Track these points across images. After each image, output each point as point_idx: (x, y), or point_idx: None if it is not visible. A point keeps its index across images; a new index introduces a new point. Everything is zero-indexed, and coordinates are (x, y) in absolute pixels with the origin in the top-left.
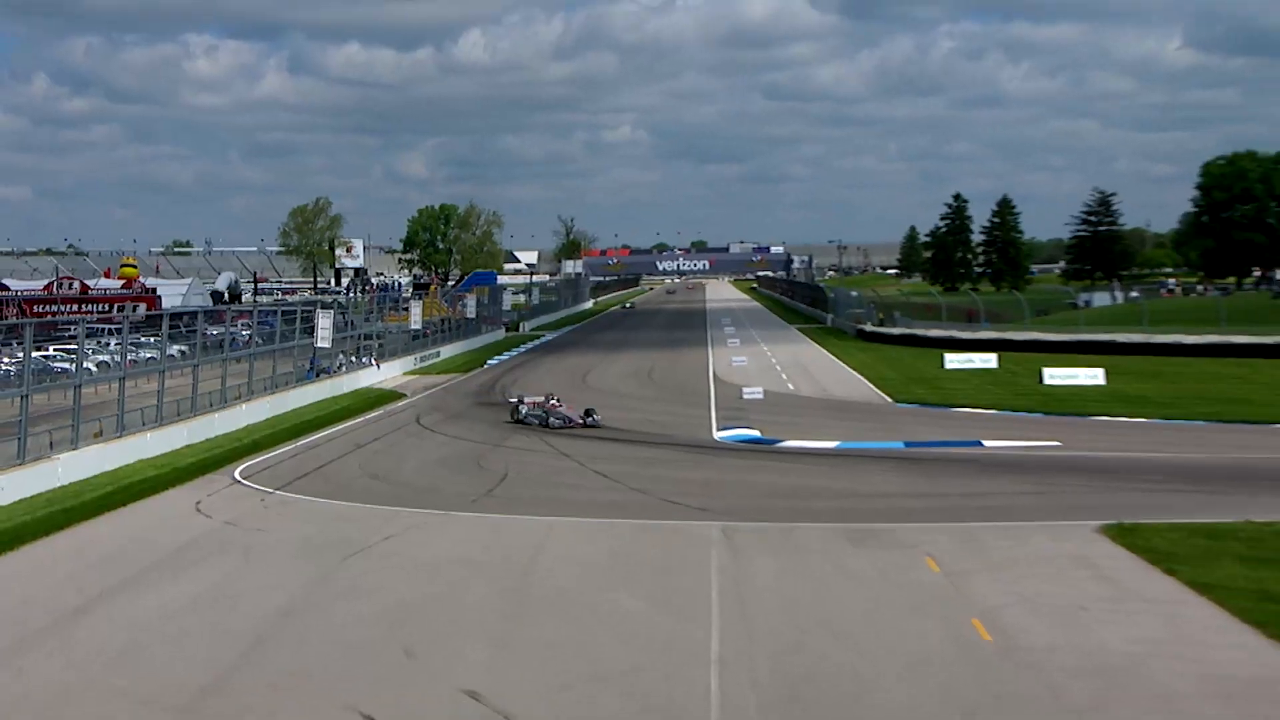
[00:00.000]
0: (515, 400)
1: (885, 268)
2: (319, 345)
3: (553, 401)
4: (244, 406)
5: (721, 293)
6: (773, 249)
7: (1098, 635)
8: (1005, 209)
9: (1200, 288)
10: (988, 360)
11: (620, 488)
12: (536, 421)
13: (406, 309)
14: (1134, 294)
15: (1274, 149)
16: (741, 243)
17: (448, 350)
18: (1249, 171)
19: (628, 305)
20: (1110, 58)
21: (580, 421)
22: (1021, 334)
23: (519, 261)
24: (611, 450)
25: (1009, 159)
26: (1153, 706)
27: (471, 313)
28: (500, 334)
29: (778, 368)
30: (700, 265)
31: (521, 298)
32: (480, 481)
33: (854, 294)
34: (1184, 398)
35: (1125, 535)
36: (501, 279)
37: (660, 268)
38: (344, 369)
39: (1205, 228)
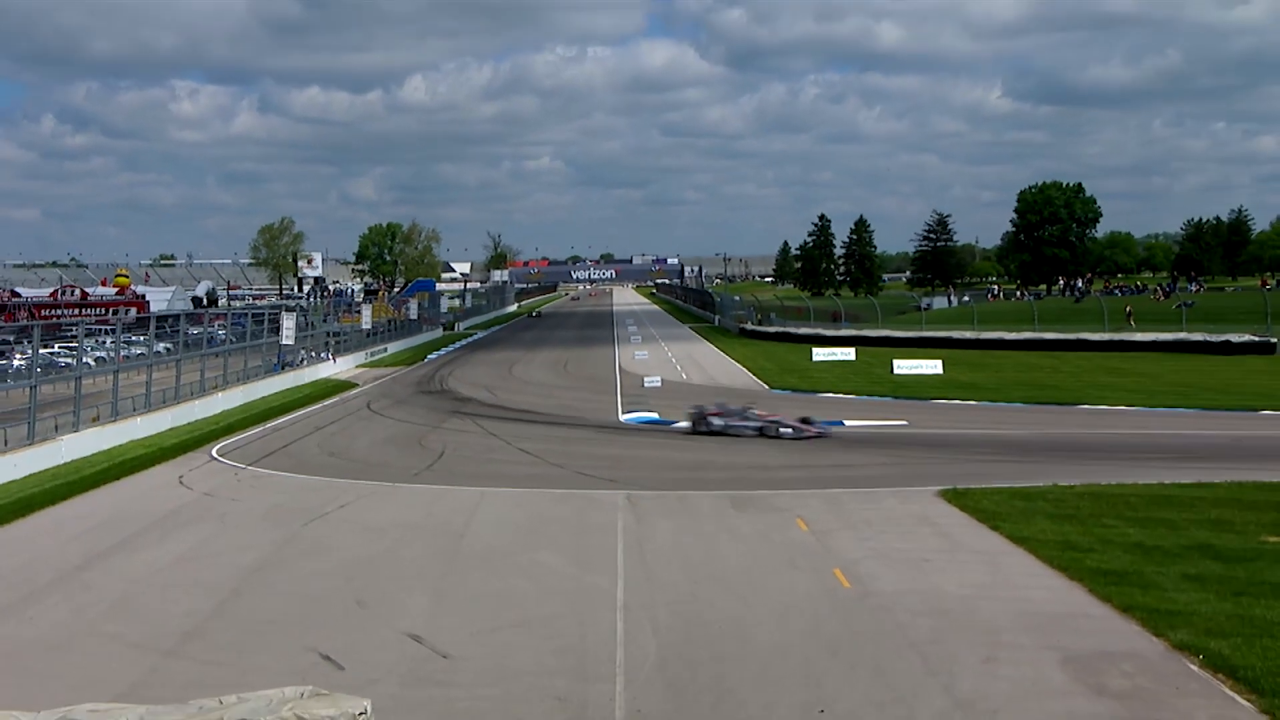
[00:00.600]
0: (697, 412)
1: (763, 276)
2: (284, 342)
3: (757, 411)
4: (220, 395)
5: (626, 298)
6: (669, 260)
7: (936, 581)
8: (861, 227)
9: (1018, 293)
10: (848, 354)
11: (541, 463)
12: (753, 432)
13: (359, 312)
14: (966, 299)
15: (1075, 180)
16: (643, 255)
17: (394, 346)
18: (1055, 198)
19: (534, 315)
20: (946, 104)
21: (809, 430)
22: (875, 332)
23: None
24: (533, 431)
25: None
26: (980, 639)
27: (414, 314)
28: (439, 333)
29: (673, 361)
30: (608, 274)
31: (457, 302)
32: (422, 458)
33: (737, 298)
34: (1006, 384)
35: (959, 498)
36: (440, 286)
37: (574, 276)
38: (305, 363)
39: (1021, 244)
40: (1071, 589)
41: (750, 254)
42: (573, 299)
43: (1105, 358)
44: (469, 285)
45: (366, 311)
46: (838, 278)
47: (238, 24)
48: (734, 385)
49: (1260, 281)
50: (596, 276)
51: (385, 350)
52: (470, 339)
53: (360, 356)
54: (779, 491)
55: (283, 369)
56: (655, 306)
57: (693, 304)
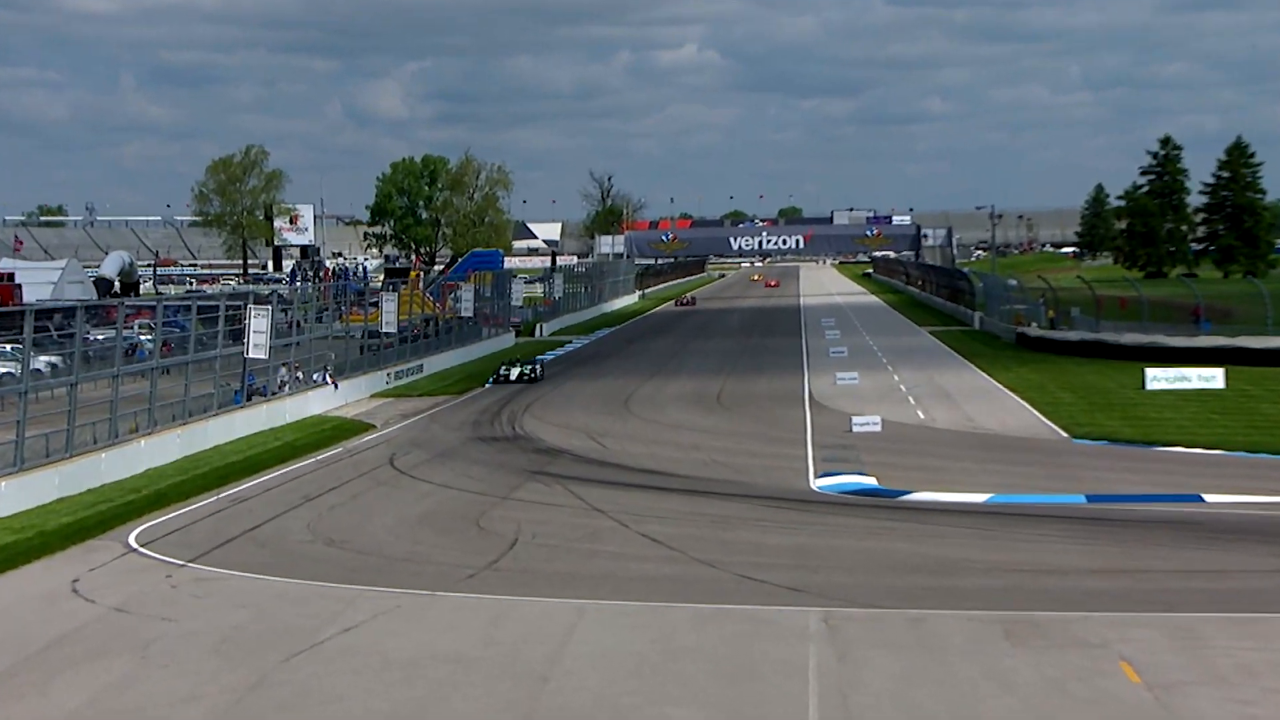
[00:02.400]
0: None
1: (1059, 245)
2: (251, 356)
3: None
4: (143, 443)
5: (821, 281)
6: (895, 218)
7: None
8: (1238, 158)
9: None
10: (1210, 378)
11: (679, 558)
12: None
13: (375, 304)
14: None
15: None
16: (851, 210)
17: (434, 363)
18: None
19: (686, 300)
20: None
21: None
22: (1262, 341)
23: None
24: (666, 504)
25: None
26: None
27: (468, 310)
28: (509, 340)
29: (902, 388)
30: (791, 242)
31: (539, 288)
32: (480, 548)
33: (1012, 282)
34: None
35: None
36: (510, 262)
37: (735, 245)
38: (288, 389)
39: None
40: None
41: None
42: (733, 283)
43: None
44: (559, 261)
45: (389, 304)
46: (1192, 247)
47: None
48: (1007, 430)
49: None
50: (772, 246)
51: (420, 369)
52: (562, 350)
53: (378, 379)
54: (1085, 614)
55: (249, 400)
56: (870, 297)
57: (935, 293)
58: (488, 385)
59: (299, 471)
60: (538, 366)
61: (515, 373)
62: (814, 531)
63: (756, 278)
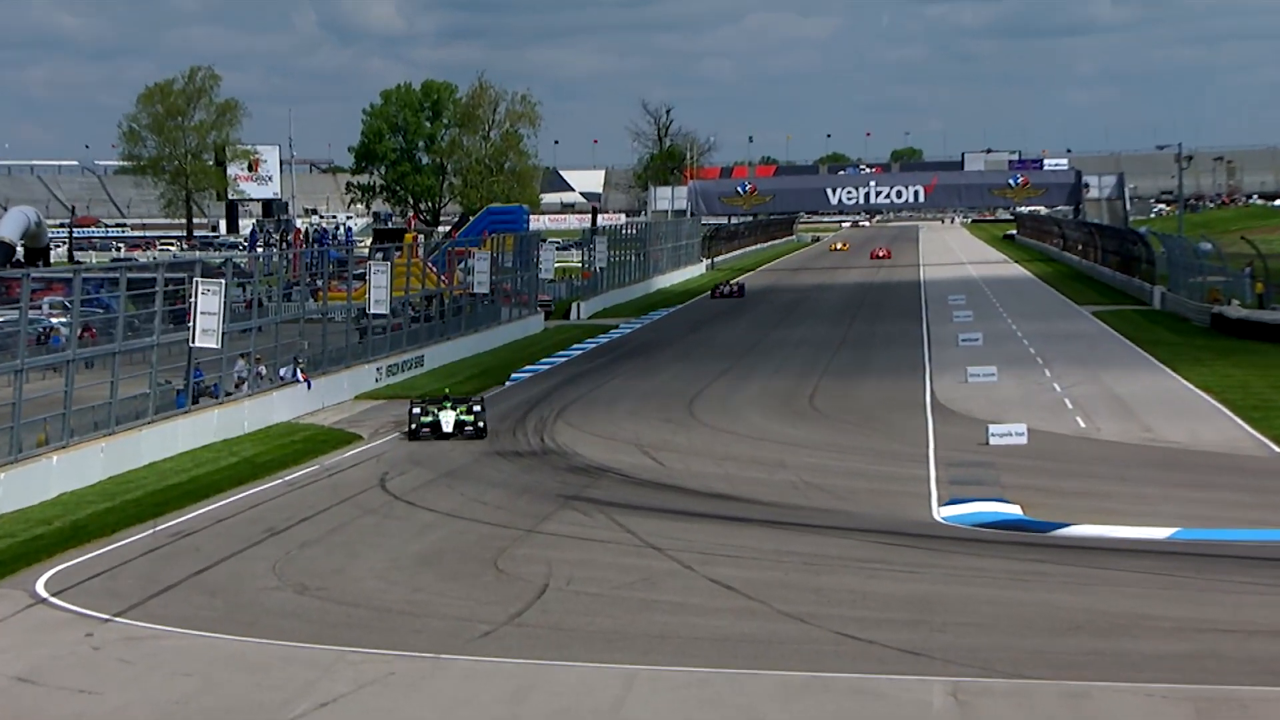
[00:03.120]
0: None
1: (1270, 197)
2: (199, 345)
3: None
4: (55, 459)
5: (948, 245)
6: (1048, 162)
7: None
8: None
9: None
10: None
11: (759, 610)
12: None
13: (362, 277)
14: None
15: None
16: (988, 152)
17: (438, 353)
18: None
19: (730, 289)
20: None
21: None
22: None
23: (570, 190)
24: (742, 540)
25: None
26: None
27: (483, 285)
28: (537, 322)
29: (1056, 388)
30: (909, 194)
31: (576, 256)
32: (498, 597)
33: (1206, 247)
34: None
35: None
36: (538, 222)
37: (834, 199)
38: (246, 388)
39: None
40: None
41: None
42: (831, 249)
43: None
44: (602, 221)
45: (379, 276)
46: None
47: None
48: (1198, 443)
49: None
50: (882, 200)
51: (420, 361)
52: (606, 337)
53: (365, 376)
54: None
55: (195, 401)
56: (1014, 267)
57: (1101, 261)
58: (508, 384)
59: (261, 496)
60: (479, 411)
61: (445, 420)
62: (938, 576)
63: (839, 246)
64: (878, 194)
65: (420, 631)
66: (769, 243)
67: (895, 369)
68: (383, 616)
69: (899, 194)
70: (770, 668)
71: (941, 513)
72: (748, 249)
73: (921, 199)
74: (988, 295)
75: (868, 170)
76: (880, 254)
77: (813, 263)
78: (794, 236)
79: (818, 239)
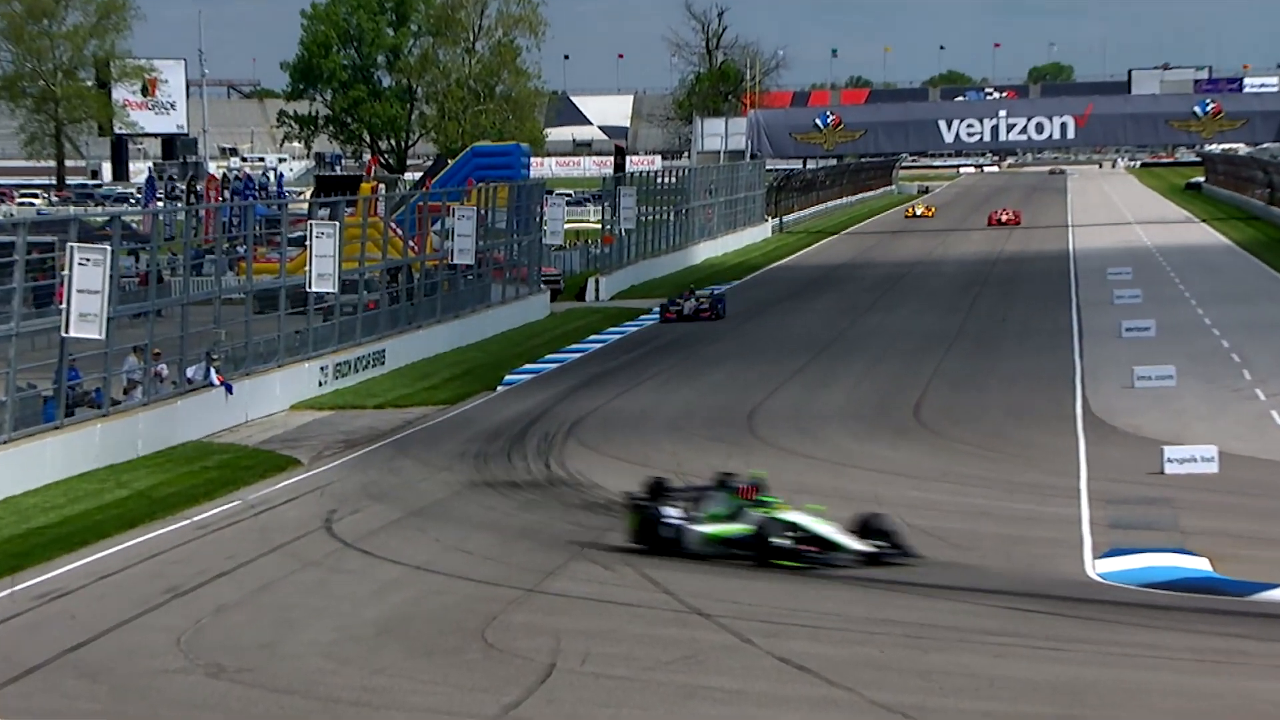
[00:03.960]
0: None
1: None
2: (74, 334)
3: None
4: None
5: (1109, 199)
6: (1250, 82)
7: None
8: None
9: None
10: None
11: (846, 700)
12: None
13: (301, 242)
14: None
15: None
16: (1165, 68)
17: (405, 346)
18: None
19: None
20: None
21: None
22: None
23: (587, 123)
24: (822, 603)
25: None
26: None
27: (467, 254)
28: (541, 304)
29: (1260, 395)
30: (1053, 128)
31: (593, 212)
32: (487, 682)
33: None
34: None
35: None
36: (542, 167)
37: (949, 135)
38: (140, 393)
39: None
40: None
41: None
42: (909, 215)
43: None
44: (631, 166)
45: (323, 243)
46: None
47: None
48: None
49: None
50: (1017, 136)
51: (379, 358)
52: (633, 326)
53: (305, 377)
54: None
55: (70, 412)
56: (1201, 228)
57: None
58: (500, 390)
59: (161, 544)
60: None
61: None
62: (1093, 656)
63: (920, 211)
64: (1010, 128)
65: None
66: (858, 196)
67: (1033, 370)
68: (329, 710)
69: (1039, 128)
70: None
71: (1098, 567)
72: (829, 204)
73: (1071, 134)
74: (1163, 269)
75: (996, 96)
76: (1003, 218)
77: (916, 225)
78: (893, 187)
79: (926, 190)
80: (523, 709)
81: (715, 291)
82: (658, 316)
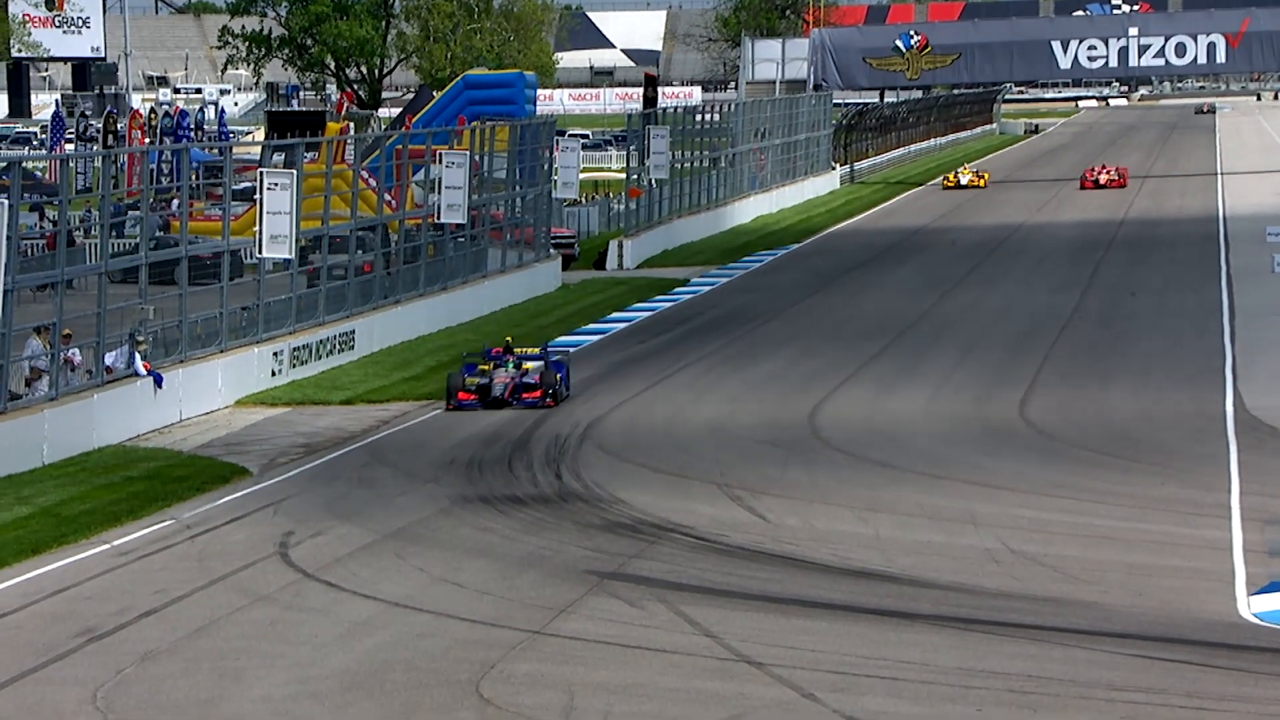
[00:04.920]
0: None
1: None
2: None
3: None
4: None
5: (1270, 143)
6: None
7: None
8: None
9: None
10: None
11: None
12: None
13: (248, 195)
14: None
15: None
16: None
17: (379, 326)
18: None
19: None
20: None
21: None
22: None
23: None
24: (904, 650)
25: None
26: None
27: (459, 211)
28: (551, 273)
29: None
30: (1198, 49)
31: (616, 159)
32: None
33: None
34: None
35: None
36: (551, 101)
37: (1065, 60)
38: (45, 386)
39: None
40: None
41: None
42: (947, 185)
43: None
44: (662, 99)
45: (278, 195)
46: None
47: None
48: None
49: None
50: (1151, 61)
51: (348, 341)
52: (666, 300)
53: (255, 364)
54: None
55: None
56: None
57: None
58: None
59: (74, 573)
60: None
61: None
62: (1249, 717)
63: (964, 180)
64: (1143, 50)
65: None
66: (949, 137)
67: (1170, 360)
68: None
69: (1180, 50)
70: None
71: (1253, 606)
72: (912, 148)
73: (1221, 57)
74: None
75: (1126, 10)
76: (1101, 178)
77: (1020, 173)
78: (993, 126)
79: (1035, 130)
80: None
81: (550, 356)
82: (692, 292)
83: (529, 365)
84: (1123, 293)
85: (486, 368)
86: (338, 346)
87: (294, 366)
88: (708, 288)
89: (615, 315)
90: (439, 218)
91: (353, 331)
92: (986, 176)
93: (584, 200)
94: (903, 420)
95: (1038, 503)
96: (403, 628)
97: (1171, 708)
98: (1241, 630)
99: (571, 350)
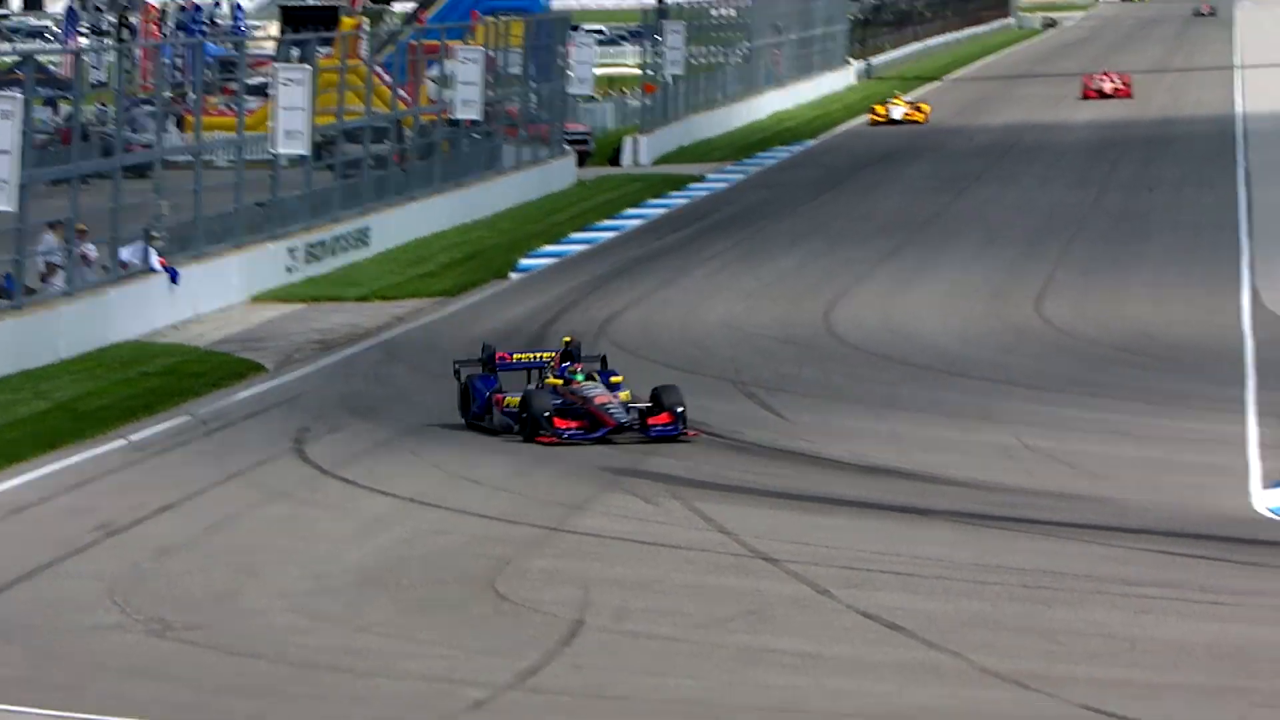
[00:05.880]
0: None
1: None
2: None
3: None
4: None
5: None
6: None
7: None
8: None
9: None
10: None
11: (949, 665)
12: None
13: (262, 90)
14: None
15: None
16: None
17: (395, 222)
18: None
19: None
20: None
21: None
22: None
23: None
24: (919, 546)
25: None
26: None
27: (473, 108)
28: (566, 170)
29: None
30: None
31: (630, 55)
32: (501, 641)
33: None
34: None
35: None
36: None
37: None
38: (62, 281)
39: None
40: None
41: None
42: (876, 119)
43: None
44: None
45: (293, 90)
46: None
47: None
48: None
49: None
50: None
51: (362, 237)
52: (681, 197)
53: (271, 260)
54: None
55: None
56: None
57: None
58: (515, 278)
59: (90, 469)
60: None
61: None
62: (1265, 613)
63: (897, 115)
64: None
65: (366, 702)
66: (966, 31)
67: (1188, 258)
68: (302, 678)
69: None
70: None
71: (1269, 500)
72: (929, 42)
73: None
74: None
75: None
76: (1104, 87)
77: (1039, 66)
78: (1010, 20)
79: (1051, 24)
80: (542, 676)
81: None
82: (707, 189)
83: (616, 380)
84: (1139, 189)
85: (557, 383)
86: (353, 243)
87: (309, 263)
88: (723, 184)
89: (630, 212)
90: (454, 114)
91: (368, 228)
92: (927, 110)
93: (599, 97)
94: (919, 317)
95: (1053, 399)
96: (418, 524)
97: (1186, 601)
98: (1256, 525)
99: (577, 250)
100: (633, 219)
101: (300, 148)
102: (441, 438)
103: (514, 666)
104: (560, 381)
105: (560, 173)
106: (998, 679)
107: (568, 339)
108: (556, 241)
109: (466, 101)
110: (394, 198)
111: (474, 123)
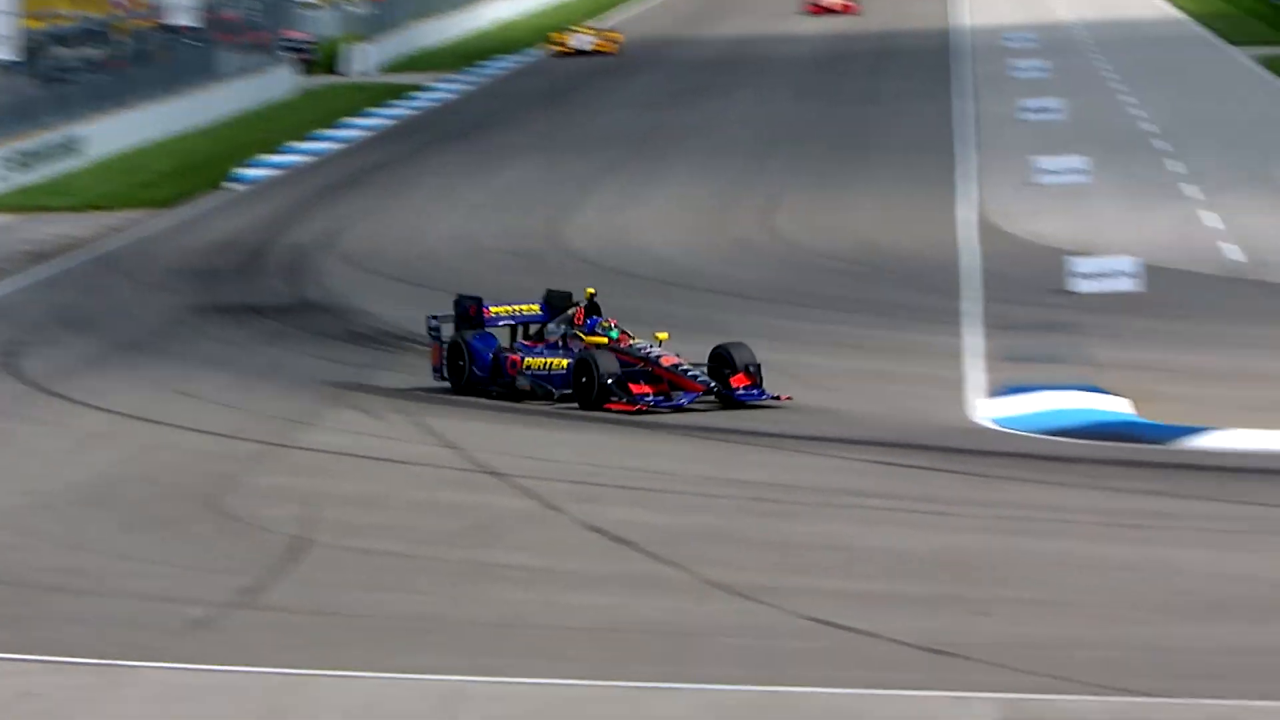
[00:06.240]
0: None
1: None
2: None
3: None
4: None
5: None
6: None
7: None
8: None
9: None
10: None
11: (675, 578)
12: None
13: None
14: None
15: None
16: None
17: (109, 131)
18: None
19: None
20: None
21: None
22: None
23: None
24: (645, 457)
25: None
26: None
27: (189, 16)
28: (285, 79)
29: (1195, 194)
30: None
31: None
32: (223, 559)
33: None
34: None
35: None
36: None
37: None
38: None
39: None
40: None
41: None
42: None
43: None
44: None
45: None
46: None
47: None
48: None
49: None
50: None
51: (73, 145)
52: (404, 107)
53: None
54: None
55: None
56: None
57: None
58: (232, 188)
59: None
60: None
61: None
62: (978, 521)
63: (563, 42)
64: None
65: (83, 621)
66: None
67: (910, 166)
68: (17, 596)
69: None
70: (692, 678)
71: (989, 410)
72: None
73: None
74: (1082, 44)
75: None
76: (828, 2)
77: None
78: None
79: None
80: (266, 595)
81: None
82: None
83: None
84: (865, 103)
85: (600, 340)
86: (66, 151)
87: (19, 171)
88: (447, 94)
89: (353, 121)
90: (167, 20)
91: (82, 136)
92: (619, 38)
93: (321, 3)
94: (646, 230)
95: (781, 311)
96: (137, 440)
97: (910, 512)
98: (977, 435)
99: (295, 162)
100: (355, 129)
101: (7, 52)
102: (160, 350)
103: (236, 584)
104: (602, 339)
105: (281, 81)
106: (723, 591)
107: (591, 290)
108: (276, 151)
109: (181, 6)
110: (109, 105)
111: (190, 29)
